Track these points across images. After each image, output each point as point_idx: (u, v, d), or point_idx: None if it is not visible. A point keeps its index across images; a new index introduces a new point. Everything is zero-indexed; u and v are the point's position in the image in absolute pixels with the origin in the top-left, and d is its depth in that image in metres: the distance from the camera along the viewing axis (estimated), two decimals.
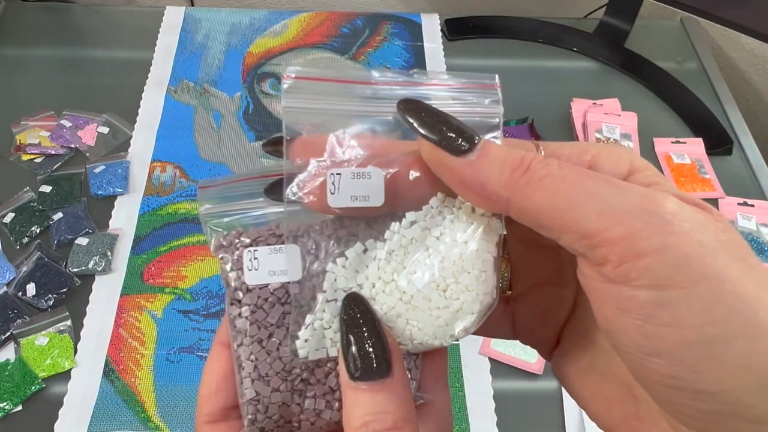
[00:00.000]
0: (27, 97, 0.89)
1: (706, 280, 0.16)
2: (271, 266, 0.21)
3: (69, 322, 0.66)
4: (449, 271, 0.21)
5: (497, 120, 0.21)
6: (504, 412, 0.63)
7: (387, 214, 0.21)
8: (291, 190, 0.20)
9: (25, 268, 0.70)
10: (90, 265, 0.70)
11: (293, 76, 0.21)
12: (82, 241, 0.72)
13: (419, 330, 0.21)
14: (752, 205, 0.81)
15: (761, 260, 0.75)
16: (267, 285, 0.21)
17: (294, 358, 0.21)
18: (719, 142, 0.89)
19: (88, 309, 0.68)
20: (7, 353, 0.65)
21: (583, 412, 0.55)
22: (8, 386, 0.62)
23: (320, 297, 0.21)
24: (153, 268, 0.72)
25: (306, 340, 0.21)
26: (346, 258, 0.21)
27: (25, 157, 0.81)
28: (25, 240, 0.73)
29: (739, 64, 1.13)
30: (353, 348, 0.19)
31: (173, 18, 1.01)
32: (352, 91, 0.21)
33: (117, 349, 0.66)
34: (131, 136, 0.84)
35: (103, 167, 0.80)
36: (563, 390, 0.64)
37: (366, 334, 0.20)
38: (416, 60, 0.97)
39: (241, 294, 0.21)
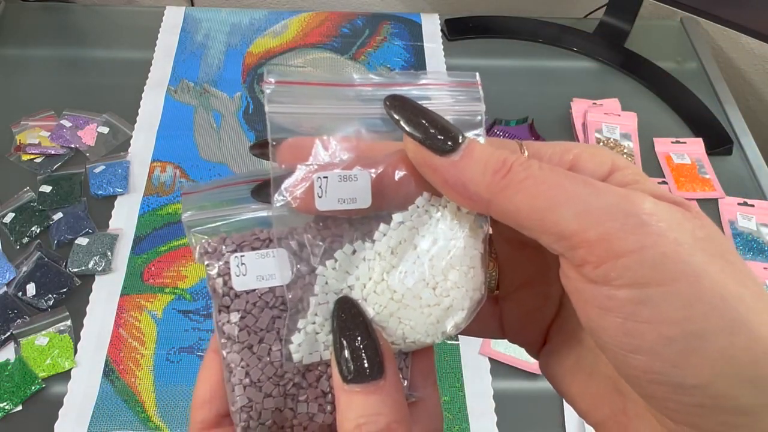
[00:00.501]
0: (27, 97, 0.89)
1: (685, 278, 0.17)
2: (258, 271, 0.21)
3: (69, 322, 0.66)
4: (438, 269, 0.21)
5: (479, 118, 0.21)
6: (504, 412, 0.63)
7: (372, 213, 0.21)
8: (279, 194, 0.20)
9: (25, 268, 0.70)
10: (90, 265, 0.70)
11: (273, 81, 0.21)
12: (82, 241, 0.72)
13: (411, 329, 0.21)
14: (752, 205, 0.81)
15: (762, 261, 0.75)
16: (254, 290, 0.21)
17: (287, 362, 0.21)
18: (719, 142, 0.89)
19: (88, 309, 0.68)
20: (7, 353, 0.65)
21: None
22: (8, 386, 0.62)
23: (312, 300, 0.21)
24: (153, 268, 0.72)
25: (299, 344, 0.21)
26: (336, 260, 0.21)
27: (25, 157, 0.81)
28: (25, 240, 0.73)
29: (739, 64, 1.14)
30: (345, 351, 0.19)
31: (173, 18, 1.01)
32: (334, 93, 0.21)
33: (117, 349, 0.66)
34: (131, 136, 0.84)
35: (103, 167, 0.80)
36: None
37: (358, 337, 0.20)
38: (416, 60, 0.97)
39: (228, 300, 0.21)
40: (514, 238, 0.22)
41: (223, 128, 0.87)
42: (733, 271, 0.17)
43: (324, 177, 0.20)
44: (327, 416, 0.21)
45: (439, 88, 0.21)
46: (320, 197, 0.20)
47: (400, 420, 0.19)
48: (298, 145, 0.21)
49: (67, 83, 0.91)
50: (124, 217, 0.76)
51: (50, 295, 0.68)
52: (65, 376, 0.64)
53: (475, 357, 0.66)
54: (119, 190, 0.78)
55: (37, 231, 0.74)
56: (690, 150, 0.87)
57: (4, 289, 0.69)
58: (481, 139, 0.21)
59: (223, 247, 0.21)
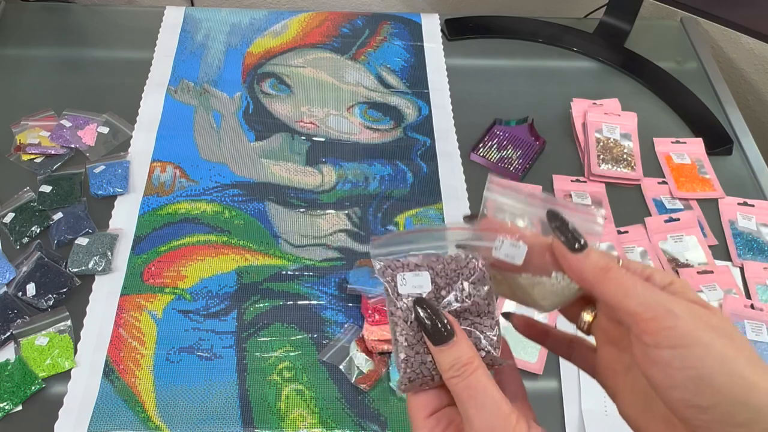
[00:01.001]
0: (27, 97, 0.89)
1: (699, 345, 0.28)
2: (413, 283, 0.34)
3: (69, 322, 0.67)
4: (548, 293, 0.35)
5: (598, 229, 0.34)
6: None
7: (518, 272, 0.35)
8: (475, 235, 0.35)
9: (25, 268, 0.70)
10: (90, 265, 0.70)
11: (494, 182, 0.35)
12: (82, 241, 0.72)
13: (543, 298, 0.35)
14: (752, 205, 0.81)
15: (762, 261, 0.75)
16: (408, 294, 0.33)
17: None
18: (719, 142, 0.89)
19: (88, 309, 0.68)
20: (7, 353, 0.65)
21: (583, 412, 0.64)
22: (8, 386, 0.62)
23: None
24: (153, 268, 0.72)
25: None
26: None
27: (25, 157, 0.81)
28: (25, 240, 0.73)
29: (739, 64, 1.14)
30: (430, 328, 0.32)
31: (173, 18, 1.01)
32: (524, 199, 0.35)
33: (117, 349, 0.66)
34: (131, 136, 0.84)
35: (103, 167, 0.80)
36: (563, 390, 0.64)
37: (435, 318, 0.32)
38: (416, 60, 0.97)
39: (395, 298, 0.33)
40: (611, 316, 0.34)
41: (223, 128, 0.87)
42: (733, 344, 0.28)
43: (504, 239, 0.34)
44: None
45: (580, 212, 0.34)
46: (497, 249, 0.34)
47: (473, 357, 0.31)
48: (492, 221, 0.35)
49: (67, 83, 0.91)
50: (124, 217, 0.76)
51: (50, 295, 0.68)
52: (65, 376, 0.64)
53: None
54: (119, 190, 0.78)
55: (37, 231, 0.74)
56: (690, 150, 0.87)
57: (4, 289, 0.69)
58: (598, 244, 0.33)
59: (392, 267, 0.34)
